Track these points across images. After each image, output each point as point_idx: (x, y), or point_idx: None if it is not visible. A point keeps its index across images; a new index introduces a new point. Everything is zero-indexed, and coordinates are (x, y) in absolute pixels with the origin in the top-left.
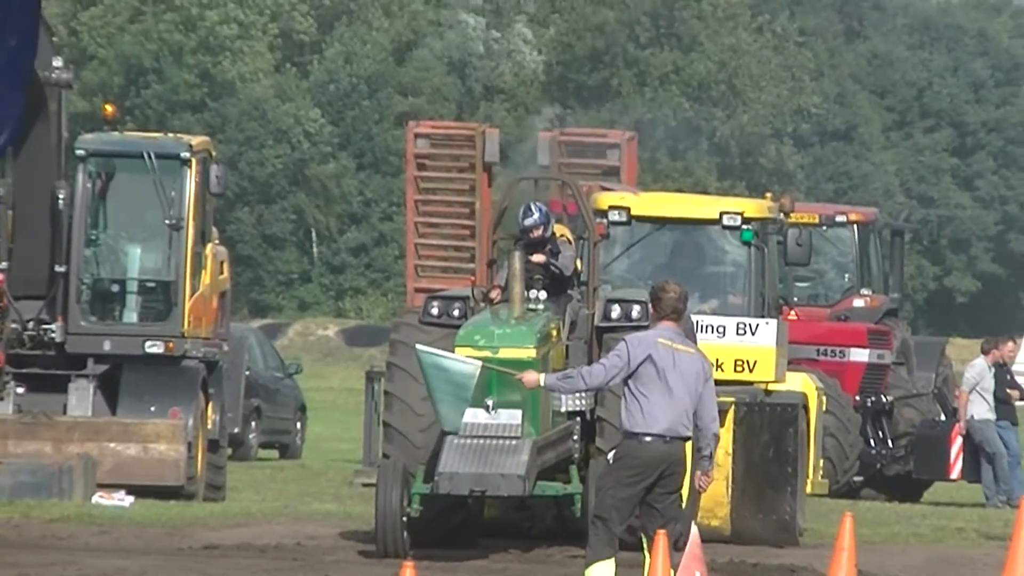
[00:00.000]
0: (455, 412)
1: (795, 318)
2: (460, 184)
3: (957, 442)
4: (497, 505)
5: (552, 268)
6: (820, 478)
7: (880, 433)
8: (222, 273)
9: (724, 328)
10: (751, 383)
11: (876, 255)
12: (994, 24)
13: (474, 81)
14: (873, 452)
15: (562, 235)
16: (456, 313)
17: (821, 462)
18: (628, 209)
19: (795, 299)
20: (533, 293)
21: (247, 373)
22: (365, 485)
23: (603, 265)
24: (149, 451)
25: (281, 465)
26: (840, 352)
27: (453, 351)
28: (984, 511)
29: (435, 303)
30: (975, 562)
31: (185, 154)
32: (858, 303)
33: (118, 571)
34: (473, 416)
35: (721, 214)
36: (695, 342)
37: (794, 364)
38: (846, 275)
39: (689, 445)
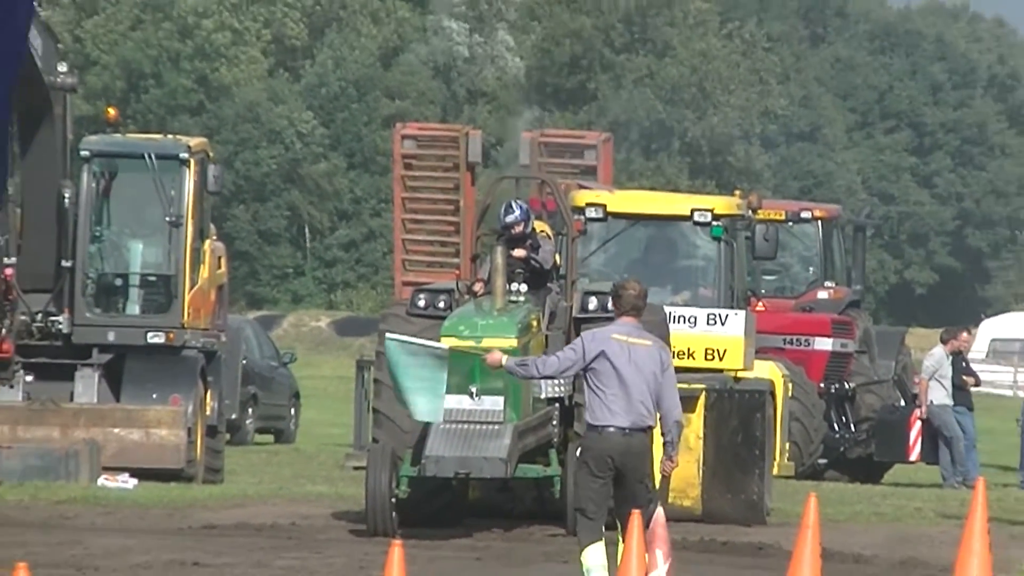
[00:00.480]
0: (432, 400)
1: (763, 309)
2: (445, 183)
3: (916, 426)
4: (481, 487)
5: (532, 262)
6: (786, 461)
7: (843, 418)
8: (220, 267)
9: (695, 319)
10: (721, 371)
11: (839, 249)
12: (951, 30)
13: (458, 85)
14: (836, 436)
15: (542, 231)
16: (442, 305)
17: (787, 445)
18: (604, 206)
19: (763, 291)
20: (514, 286)
21: (243, 362)
22: (356, 468)
23: (581, 259)
24: (151, 436)
25: (276, 449)
26: (805, 341)
27: (439, 341)
28: (941, 492)
29: (422, 295)
30: (933, 539)
31: (184, 155)
32: (822, 295)
33: (122, 549)
34: (457, 402)
35: (692, 211)
36: (668, 333)
37: (761, 353)
38: (811, 268)
39: (656, 432)
